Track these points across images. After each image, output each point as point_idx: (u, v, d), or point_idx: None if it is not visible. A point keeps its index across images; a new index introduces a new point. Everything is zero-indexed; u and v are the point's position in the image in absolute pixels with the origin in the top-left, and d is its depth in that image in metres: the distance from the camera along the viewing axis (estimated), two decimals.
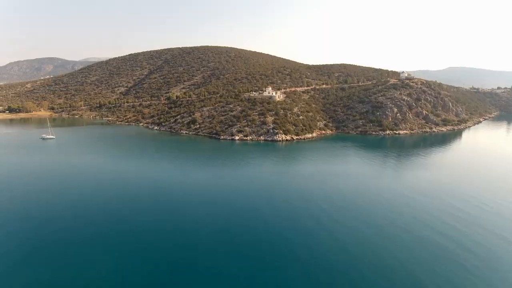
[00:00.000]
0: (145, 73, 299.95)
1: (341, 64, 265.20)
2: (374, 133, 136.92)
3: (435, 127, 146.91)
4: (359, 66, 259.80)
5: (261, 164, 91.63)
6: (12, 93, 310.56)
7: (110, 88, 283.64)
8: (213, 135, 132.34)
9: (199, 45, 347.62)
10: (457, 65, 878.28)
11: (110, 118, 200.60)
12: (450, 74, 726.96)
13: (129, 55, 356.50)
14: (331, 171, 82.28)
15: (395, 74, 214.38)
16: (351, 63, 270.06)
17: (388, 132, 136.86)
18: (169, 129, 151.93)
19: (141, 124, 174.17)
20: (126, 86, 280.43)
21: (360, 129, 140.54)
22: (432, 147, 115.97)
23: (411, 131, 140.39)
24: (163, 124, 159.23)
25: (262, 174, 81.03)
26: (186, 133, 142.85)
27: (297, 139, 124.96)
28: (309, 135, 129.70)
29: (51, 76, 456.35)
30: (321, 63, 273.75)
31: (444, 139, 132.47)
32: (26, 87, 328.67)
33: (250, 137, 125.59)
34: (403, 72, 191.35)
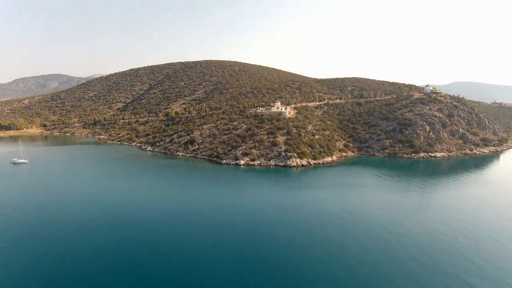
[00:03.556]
0: (145, 88, 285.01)
1: (353, 77, 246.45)
2: (405, 155, 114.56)
3: (475, 148, 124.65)
4: (373, 80, 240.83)
5: (280, 208, 70.27)
6: (7, 109, 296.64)
7: (107, 104, 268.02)
8: (214, 158, 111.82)
9: (202, 59, 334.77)
10: (462, 79, 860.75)
11: (101, 137, 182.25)
12: (455, 88, 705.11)
13: (129, 70, 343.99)
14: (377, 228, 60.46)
15: (415, 88, 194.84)
16: (362, 77, 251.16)
17: (422, 154, 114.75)
18: (164, 150, 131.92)
19: (134, 143, 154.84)
20: (124, 102, 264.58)
21: (388, 151, 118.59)
22: (488, 176, 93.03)
23: (449, 153, 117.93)
24: (157, 144, 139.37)
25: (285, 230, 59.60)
26: (182, 155, 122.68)
27: (314, 164, 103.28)
28: (329, 159, 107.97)
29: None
30: (327, 77, 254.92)
31: (492, 164, 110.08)
32: (23, 103, 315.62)
33: (258, 162, 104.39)
34: (427, 85, 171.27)
